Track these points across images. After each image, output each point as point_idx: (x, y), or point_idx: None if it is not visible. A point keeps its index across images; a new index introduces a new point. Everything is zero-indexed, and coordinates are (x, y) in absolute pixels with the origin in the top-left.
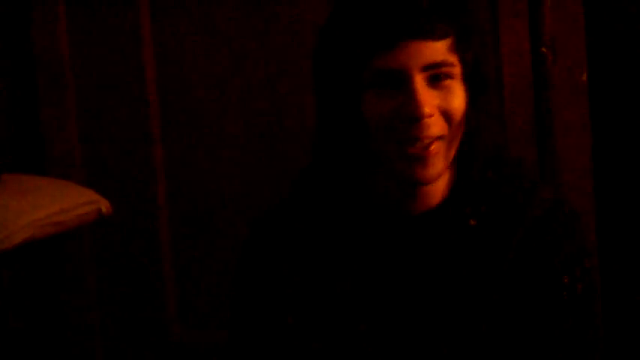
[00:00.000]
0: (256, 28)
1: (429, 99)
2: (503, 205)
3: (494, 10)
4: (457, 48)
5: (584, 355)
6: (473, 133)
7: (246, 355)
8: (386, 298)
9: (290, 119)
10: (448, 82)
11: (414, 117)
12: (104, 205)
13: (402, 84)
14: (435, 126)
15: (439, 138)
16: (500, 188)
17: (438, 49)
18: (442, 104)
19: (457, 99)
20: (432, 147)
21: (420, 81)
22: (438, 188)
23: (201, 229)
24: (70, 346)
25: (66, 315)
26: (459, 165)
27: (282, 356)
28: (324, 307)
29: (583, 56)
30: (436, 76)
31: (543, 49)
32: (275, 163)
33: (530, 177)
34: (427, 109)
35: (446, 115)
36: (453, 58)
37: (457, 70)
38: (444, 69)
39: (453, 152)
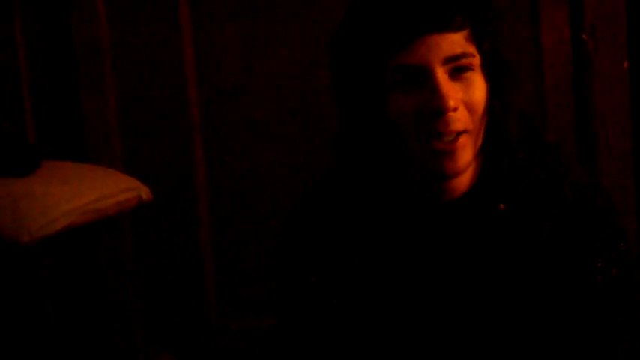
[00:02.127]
0: (294, 14)
1: (452, 92)
2: (534, 188)
3: (535, 0)
4: (475, 38)
5: (619, 341)
6: (498, 121)
7: (294, 337)
8: (419, 283)
9: (327, 104)
10: (469, 73)
11: (439, 111)
12: (144, 192)
13: (425, 79)
14: (460, 120)
15: (465, 131)
16: (530, 172)
17: (457, 41)
18: (465, 97)
19: (478, 90)
20: (459, 140)
21: (441, 74)
22: (467, 176)
23: (241, 214)
24: (110, 332)
25: (106, 302)
26: (487, 152)
27: (326, 336)
28: (361, 291)
29: (623, 43)
30: (457, 69)
31: (584, 37)
32: (313, 148)
33: (565, 161)
34: (452, 102)
35: (469, 107)
36: (471, 49)
37: (476, 60)
38: (464, 60)
39: (479, 143)
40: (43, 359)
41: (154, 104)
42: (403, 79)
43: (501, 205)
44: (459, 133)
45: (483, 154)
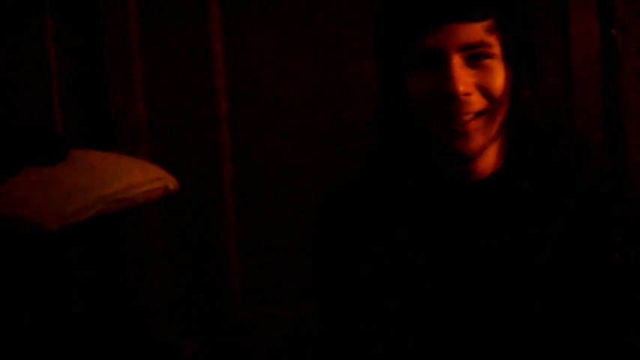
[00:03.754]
0: (322, 13)
1: (465, 78)
2: (556, 169)
3: None
4: (497, 28)
5: (636, 322)
6: (520, 107)
7: (329, 303)
8: (445, 260)
9: (355, 97)
10: (487, 61)
11: (449, 94)
12: (171, 182)
13: (441, 63)
14: (474, 103)
15: (479, 113)
16: (554, 155)
17: (476, 31)
18: (480, 82)
19: (496, 77)
20: (472, 123)
21: (457, 60)
22: (490, 158)
23: (266, 205)
24: (133, 321)
25: (130, 290)
26: (510, 136)
27: (358, 311)
28: (390, 267)
29: None
30: (474, 56)
31: (614, 32)
32: (339, 139)
33: (588, 147)
34: (462, 88)
35: (485, 92)
36: (491, 39)
37: (496, 49)
38: (482, 49)
39: (495, 126)
40: (67, 347)
41: (181, 96)
42: (422, 60)
43: (525, 183)
44: (472, 116)
45: (508, 138)
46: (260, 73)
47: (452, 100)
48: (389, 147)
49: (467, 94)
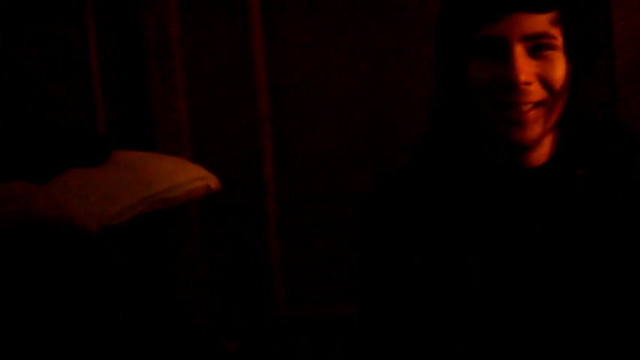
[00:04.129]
0: (362, 9)
1: (526, 67)
2: (610, 158)
3: None
4: (561, 20)
5: None
6: (577, 100)
7: (376, 293)
8: (499, 248)
9: (396, 94)
10: (549, 52)
11: (510, 83)
12: (213, 182)
13: (503, 52)
14: (534, 93)
15: (538, 104)
16: (607, 144)
17: (540, 22)
18: (541, 73)
19: (557, 69)
20: (531, 112)
21: (519, 50)
22: (545, 147)
23: (308, 204)
24: (176, 321)
25: (172, 290)
26: (566, 127)
27: (409, 304)
28: (445, 256)
29: None
30: (537, 47)
31: None
32: (381, 138)
33: (637, 141)
34: (523, 77)
35: (545, 83)
36: (554, 31)
37: (558, 41)
38: (544, 40)
39: (554, 117)
40: (110, 348)
41: (222, 95)
42: (485, 48)
43: (579, 171)
44: (531, 106)
45: (562, 128)
46: (301, 72)
47: (512, 88)
48: (444, 135)
49: (527, 84)
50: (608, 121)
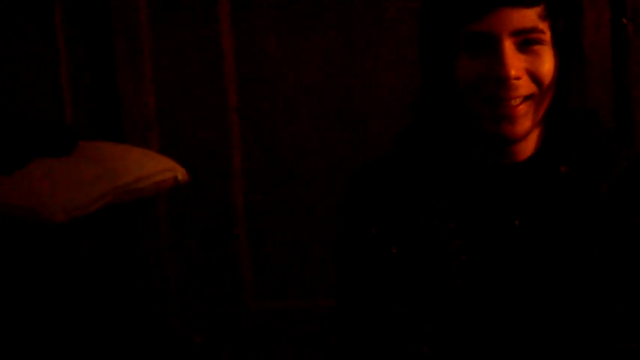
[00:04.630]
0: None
1: (516, 62)
2: (593, 155)
3: None
4: (549, 15)
5: None
6: (564, 94)
7: (353, 285)
8: (482, 241)
9: (369, 84)
10: (538, 47)
11: (500, 78)
12: (180, 173)
13: (492, 47)
14: (523, 87)
15: (527, 98)
16: (590, 141)
17: (528, 16)
18: (530, 68)
19: (546, 63)
20: (520, 107)
21: (508, 45)
22: (530, 142)
23: (277, 196)
24: (144, 314)
25: (141, 283)
26: (550, 122)
27: (386, 297)
28: (422, 247)
29: None
30: (526, 41)
31: (624, 20)
32: (352, 129)
33: (620, 136)
34: (513, 72)
35: (534, 78)
36: (543, 25)
37: (547, 36)
38: (533, 35)
39: (541, 111)
40: (77, 339)
41: (190, 86)
42: (473, 44)
43: (562, 168)
44: (520, 100)
45: (547, 123)
46: (270, 62)
47: (502, 83)
48: (428, 128)
49: (517, 78)
50: (591, 116)
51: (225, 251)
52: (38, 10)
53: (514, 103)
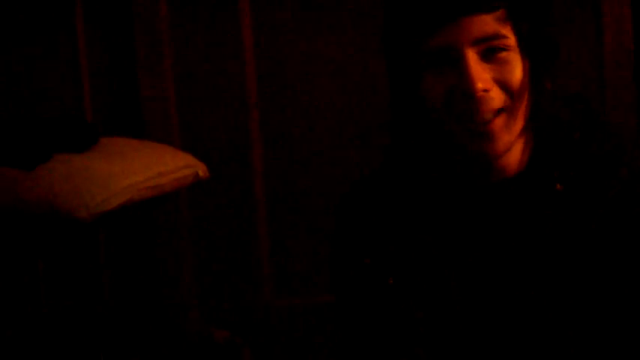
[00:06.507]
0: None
1: (482, 73)
2: (590, 169)
3: None
4: (510, 18)
5: None
6: (542, 100)
7: (352, 318)
8: (472, 264)
9: (382, 88)
10: (503, 54)
11: (468, 93)
12: (201, 169)
13: (455, 61)
14: (494, 99)
15: (501, 110)
16: (587, 152)
17: (488, 22)
18: (499, 77)
19: (514, 70)
20: (495, 122)
21: (472, 56)
22: (516, 154)
23: (296, 193)
24: (164, 308)
25: (161, 278)
26: (537, 130)
27: (384, 318)
28: (415, 272)
29: None
30: (490, 49)
31: None
32: (371, 128)
33: (622, 141)
34: (480, 84)
35: (504, 87)
36: (505, 30)
37: (511, 41)
38: (496, 41)
39: (519, 122)
40: (97, 335)
41: (211, 82)
42: (435, 60)
43: (558, 186)
44: (494, 114)
45: (534, 133)
46: (290, 60)
47: (470, 98)
48: (406, 149)
49: (485, 91)
50: (587, 120)
51: (244, 247)
52: (59, 5)
53: (487, 117)
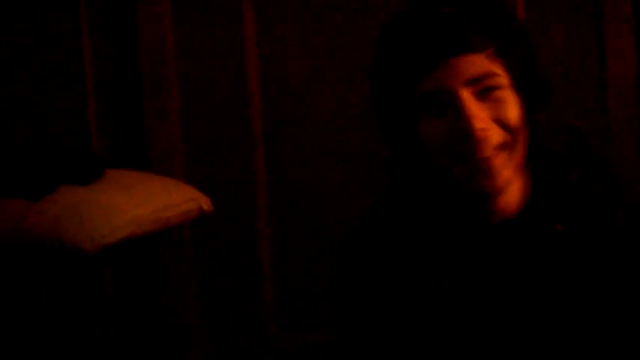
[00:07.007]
0: (356, 22)
1: (479, 113)
2: (589, 209)
3: (599, 13)
4: (500, 56)
5: None
6: (539, 135)
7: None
8: (474, 306)
9: None
10: (497, 92)
11: (466, 133)
12: (205, 203)
13: (450, 103)
14: (492, 137)
15: (499, 147)
16: (586, 192)
17: (478, 62)
18: (495, 115)
19: (510, 108)
20: (495, 159)
21: (467, 96)
22: (515, 195)
23: (301, 228)
24: (167, 343)
25: (164, 312)
26: (534, 167)
27: (385, 356)
28: (417, 314)
29: None
30: (484, 89)
31: None
32: (376, 164)
33: (619, 180)
34: (478, 124)
35: (502, 125)
36: (496, 68)
37: (504, 79)
38: (489, 81)
39: (517, 158)
40: None
41: (216, 116)
42: (430, 104)
43: (558, 226)
44: (493, 151)
45: (532, 172)
46: (296, 95)
47: (469, 138)
48: (405, 191)
49: (483, 130)
50: (584, 157)
51: (248, 282)
52: (67, 36)
53: (486, 154)
